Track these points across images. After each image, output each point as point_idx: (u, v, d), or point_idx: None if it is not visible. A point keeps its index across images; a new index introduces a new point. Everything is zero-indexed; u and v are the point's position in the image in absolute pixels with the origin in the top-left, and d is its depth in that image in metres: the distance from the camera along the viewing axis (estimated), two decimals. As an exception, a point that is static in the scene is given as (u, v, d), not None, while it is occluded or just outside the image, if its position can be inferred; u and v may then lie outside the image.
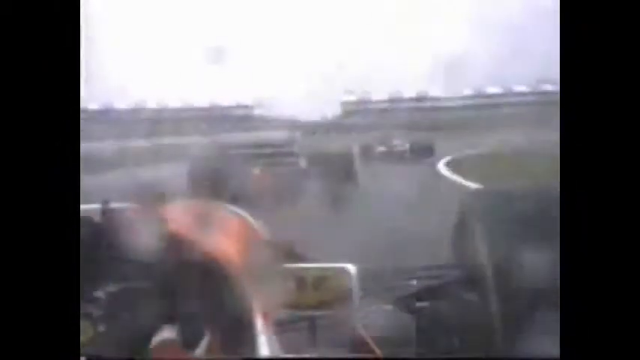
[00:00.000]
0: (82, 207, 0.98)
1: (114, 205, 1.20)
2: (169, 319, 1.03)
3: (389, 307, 1.92)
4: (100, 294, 1.11)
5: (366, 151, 17.07)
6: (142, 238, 1.14)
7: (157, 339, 1.02)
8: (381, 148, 17.43)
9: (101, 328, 1.08)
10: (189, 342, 1.02)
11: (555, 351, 0.83)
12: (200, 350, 1.03)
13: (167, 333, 1.02)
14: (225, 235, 1.31)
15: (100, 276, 1.12)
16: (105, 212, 1.16)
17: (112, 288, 1.13)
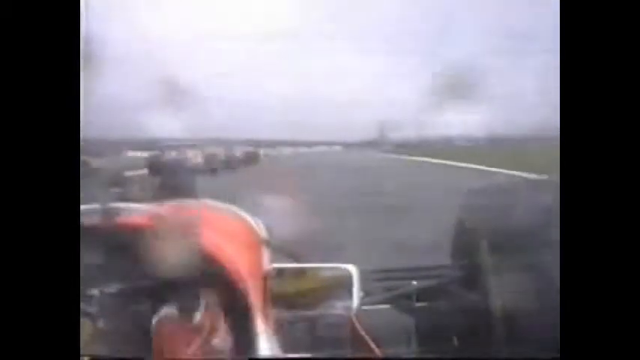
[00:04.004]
0: (82, 207, 0.98)
1: (113, 205, 1.20)
2: (167, 300, 1.11)
3: (389, 307, 1.92)
4: (100, 294, 1.12)
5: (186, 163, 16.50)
6: (142, 238, 1.14)
7: (158, 315, 1.09)
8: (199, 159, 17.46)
9: (102, 327, 1.09)
10: (187, 313, 1.09)
11: (555, 351, 0.83)
12: (198, 317, 1.09)
13: (166, 310, 1.10)
14: (225, 235, 1.31)
15: (101, 275, 1.12)
16: (105, 212, 1.16)
17: (113, 288, 1.13)
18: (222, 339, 1.12)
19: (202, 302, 1.11)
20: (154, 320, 1.09)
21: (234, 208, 1.55)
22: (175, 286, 1.11)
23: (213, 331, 1.11)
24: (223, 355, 1.11)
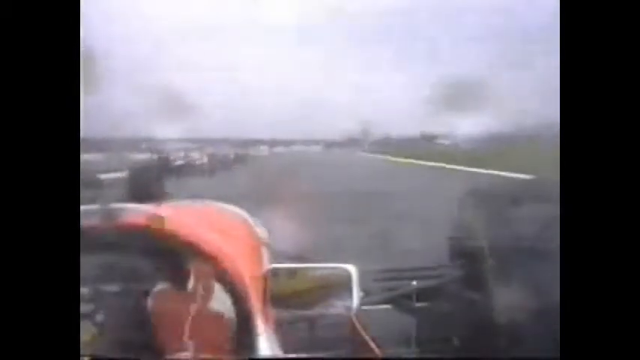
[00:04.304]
0: (82, 207, 0.98)
1: (113, 205, 1.20)
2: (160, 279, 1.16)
3: (389, 307, 1.92)
4: (100, 293, 1.12)
5: (164, 164, 17.67)
6: (141, 238, 1.14)
7: (154, 290, 1.14)
8: (179, 162, 18.03)
9: (101, 328, 1.09)
10: (179, 284, 1.15)
11: (555, 351, 0.83)
12: (190, 285, 1.15)
13: (160, 286, 1.15)
14: (224, 235, 1.31)
15: (101, 275, 1.12)
16: (104, 212, 1.16)
17: (112, 288, 1.13)
18: (216, 301, 1.15)
19: (192, 271, 1.15)
20: (150, 298, 1.13)
21: (234, 208, 1.55)
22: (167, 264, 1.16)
23: (207, 295, 1.14)
24: (221, 317, 1.15)
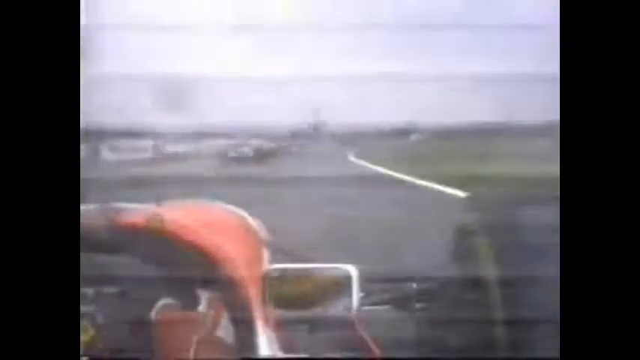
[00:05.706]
0: (82, 207, 0.98)
1: (113, 205, 1.20)
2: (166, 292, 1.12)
3: (389, 307, 1.92)
4: (99, 294, 1.12)
5: (221, 156, 22.05)
6: (141, 238, 1.14)
7: (159, 305, 1.09)
8: (233, 154, 22.23)
9: (101, 328, 1.09)
10: (188, 306, 1.11)
11: (555, 351, 0.83)
12: (200, 309, 1.11)
13: (166, 301, 1.11)
14: (224, 235, 1.31)
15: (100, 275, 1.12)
16: (104, 212, 1.16)
17: (111, 288, 1.13)
18: (225, 331, 1.14)
19: (204, 297, 1.13)
20: (155, 311, 1.10)
21: (233, 208, 1.55)
22: (176, 284, 1.12)
23: (216, 323, 1.12)
24: (227, 347, 1.13)
